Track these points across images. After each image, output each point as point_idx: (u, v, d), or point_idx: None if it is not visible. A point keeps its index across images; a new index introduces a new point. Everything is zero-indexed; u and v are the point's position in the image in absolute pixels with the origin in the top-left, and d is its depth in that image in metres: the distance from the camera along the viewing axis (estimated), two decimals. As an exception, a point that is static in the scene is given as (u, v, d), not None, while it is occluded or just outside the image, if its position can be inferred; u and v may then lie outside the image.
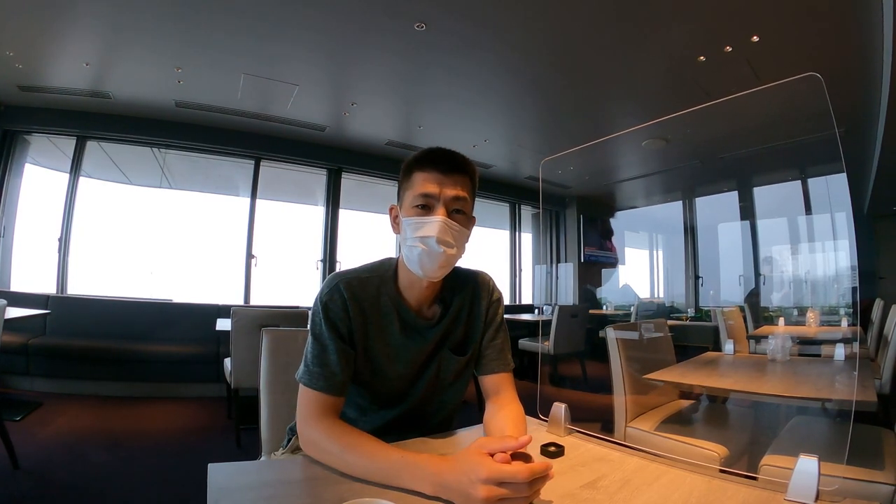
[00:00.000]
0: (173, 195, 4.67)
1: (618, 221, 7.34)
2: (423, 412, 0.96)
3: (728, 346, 2.47)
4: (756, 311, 4.44)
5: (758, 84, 1.00)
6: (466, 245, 0.89)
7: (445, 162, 0.85)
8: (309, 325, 0.87)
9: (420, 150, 0.88)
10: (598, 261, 7.05)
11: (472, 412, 1.11)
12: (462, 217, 0.86)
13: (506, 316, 1.03)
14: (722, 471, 0.75)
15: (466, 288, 0.97)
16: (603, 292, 7.02)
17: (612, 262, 7.15)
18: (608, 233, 7.16)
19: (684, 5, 2.55)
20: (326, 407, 0.81)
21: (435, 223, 0.82)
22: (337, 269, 4.67)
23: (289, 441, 1.00)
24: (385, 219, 0.94)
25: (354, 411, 0.94)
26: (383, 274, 0.91)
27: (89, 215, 4.24)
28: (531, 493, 0.60)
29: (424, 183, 0.84)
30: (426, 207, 0.84)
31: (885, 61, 2.63)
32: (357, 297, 0.86)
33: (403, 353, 0.90)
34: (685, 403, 2.02)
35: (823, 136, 1.06)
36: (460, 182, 0.85)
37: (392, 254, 0.98)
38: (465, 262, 0.95)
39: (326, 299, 0.85)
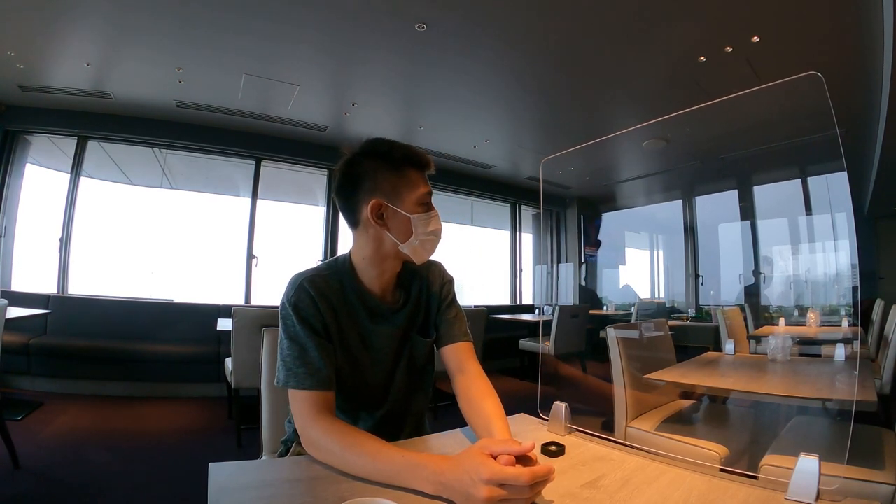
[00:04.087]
0: (174, 195, 4.67)
1: (618, 221, 7.33)
2: (408, 403, 1.00)
3: (728, 346, 2.46)
4: (756, 311, 4.44)
5: (758, 84, 1.00)
6: None
7: (427, 161, 0.92)
8: (281, 330, 0.86)
9: (396, 144, 0.91)
10: (597, 261, 7.05)
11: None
12: None
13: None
14: (722, 470, 0.75)
15: (422, 274, 1.03)
16: (603, 292, 7.02)
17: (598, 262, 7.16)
18: (596, 235, 7.17)
19: (685, 6, 2.55)
20: (320, 405, 0.81)
21: (437, 217, 0.92)
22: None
23: (287, 450, 1.00)
24: None
25: (345, 417, 0.94)
26: (340, 269, 0.94)
27: (90, 215, 4.25)
28: (532, 494, 0.60)
29: (422, 183, 0.91)
30: (427, 205, 0.91)
31: (885, 61, 2.63)
32: (323, 293, 0.88)
33: (375, 339, 0.94)
34: (686, 403, 2.02)
35: (824, 136, 1.06)
36: None
37: None
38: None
39: (295, 300, 0.86)
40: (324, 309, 0.87)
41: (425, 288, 1.02)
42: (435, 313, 1.02)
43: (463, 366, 0.96)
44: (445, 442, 0.89)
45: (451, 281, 1.06)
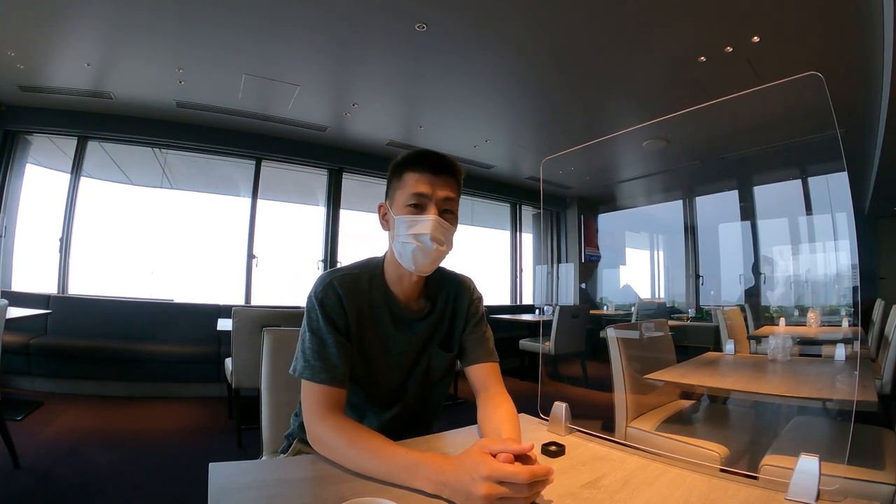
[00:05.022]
0: (174, 195, 4.68)
1: (618, 221, 7.33)
2: (418, 411, 0.99)
3: (729, 347, 2.46)
4: (757, 311, 4.44)
5: (759, 85, 1.00)
6: (454, 241, 0.93)
7: (436, 163, 0.89)
8: (304, 322, 0.88)
9: (409, 152, 0.91)
10: (596, 261, 7.05)
11: (474, 412, 1.10)
12: (451, 216, 0.91)
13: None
14: (723, 470, 0.75)
15: (450, 287, 1.02)
16: (604, 292, 7.02)
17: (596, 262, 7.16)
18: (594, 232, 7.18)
19: (685, 6, 2.55)
20: (331, 401, 0.82)
21: (428, 221, 0.86)
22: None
23: (289, 446, 1.00)
24: None
25: (352, 414, 0.95)
26: (372, 270, 0.95)
27: (90, 215, 4.24)
28: (531, 494, 0.60)
29: (417, 183, 0.87)
30: (419, 206, 0.88)
31: (885, 61, 2.63)
32: (351, 293, 0.89)
33: (394, 344, 0.94)
34: (686, 403, 2.02)
35: (824, 136, 1.06)
36: (449, 183, 0.90)
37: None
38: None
39: (322, 296, 0.87)
40: (349, 308, 0.88)
41: (451, 301, 1.01)
42: (461, 330, 1.01)
43: (487, 386, 0.97)
44: (452, 441, 0.89)
45: (480, 298, 1.05)
